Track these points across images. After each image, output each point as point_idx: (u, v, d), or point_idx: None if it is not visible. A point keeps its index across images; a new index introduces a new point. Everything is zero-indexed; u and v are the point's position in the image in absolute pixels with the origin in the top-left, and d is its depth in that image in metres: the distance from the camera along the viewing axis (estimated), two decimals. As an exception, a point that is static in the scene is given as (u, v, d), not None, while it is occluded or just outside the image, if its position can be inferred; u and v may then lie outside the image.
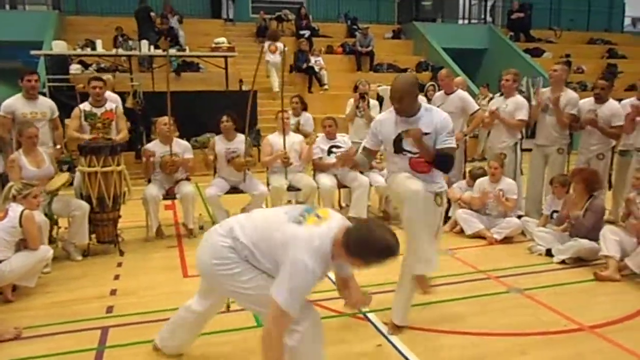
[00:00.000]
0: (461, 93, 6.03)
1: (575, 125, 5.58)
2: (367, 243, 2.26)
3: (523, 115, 5.54)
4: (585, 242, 4.54)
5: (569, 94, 5.55)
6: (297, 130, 6.43)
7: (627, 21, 19.12)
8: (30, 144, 4.61)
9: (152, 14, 11.85)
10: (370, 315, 3.55)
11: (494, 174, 5.37)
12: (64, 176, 4.83)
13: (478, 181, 5.54)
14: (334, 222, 2.37)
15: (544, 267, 4.53)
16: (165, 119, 5.44)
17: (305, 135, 6.37)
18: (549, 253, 4.75)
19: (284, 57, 6.60)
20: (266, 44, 11.58)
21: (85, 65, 11.05)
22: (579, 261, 4.57)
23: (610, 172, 5.73)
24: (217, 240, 2.47)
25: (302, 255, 2.22)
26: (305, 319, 2.40)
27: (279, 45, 11.48)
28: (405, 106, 3.08)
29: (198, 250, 2.57)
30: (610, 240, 4.29)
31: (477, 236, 5.30)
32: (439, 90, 6.62)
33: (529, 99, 6.27)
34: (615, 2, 18.39)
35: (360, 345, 3.17)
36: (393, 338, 3.22)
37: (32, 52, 9.67)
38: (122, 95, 7.92)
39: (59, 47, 9.58)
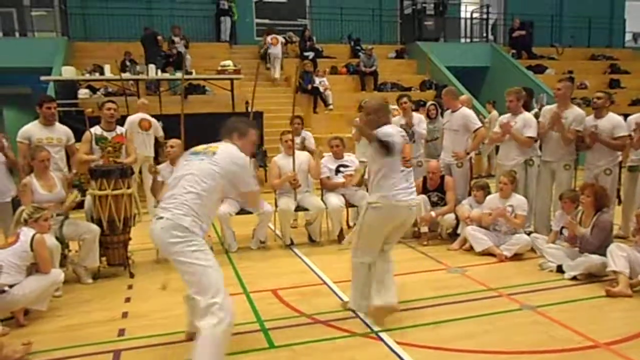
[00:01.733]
0: (465, 111, 6.08)
1: (582, 145, 5.58)
2: None
3: (532, 132, 5.57)
4: (595, 258, 4.52)
5: (575, 111, 5.57)
6: (304, 147, 6.47)
7: (628, 37, 19.23)
8: (42, 168, 4.66)
9: (159, 37, 12.05)
10: (382, 334, 3.53)
11: (503, 190, 5.37)
12: (72, 193, 4.86)
13: (488, 198, 5.55)
14: None
15: (555, 284, 4.50)
16: (171, 141, 5.51)
17: (311, 152, 6.41)
18: (559, 269, 4.73)
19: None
20: (268, 37, 13.30)
21: (94, 90, 11.20)
22: (590, 277, 4.54)
23: (618, 188, 5.72)
24: None
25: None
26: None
27: (280, 38, 13.32)
28: None
29: None
30: (618, 256, 4.28)
31: (487, 253, 5.28)
32: (441, 108, 6.70)
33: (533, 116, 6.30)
34: (615, 18, 18.53)
35: (373, 365, 3.15)
36: (407, 358, 3.20)
37: (43, 78, 9.82)
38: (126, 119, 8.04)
39: (68, 72, 9.74)
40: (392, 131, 3.68)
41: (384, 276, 3.73)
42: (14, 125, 5.71)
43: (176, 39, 12.49)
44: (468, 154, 6.03)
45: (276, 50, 13.31)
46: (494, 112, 10.60)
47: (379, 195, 3.67)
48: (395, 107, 7.35)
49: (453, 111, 6.08)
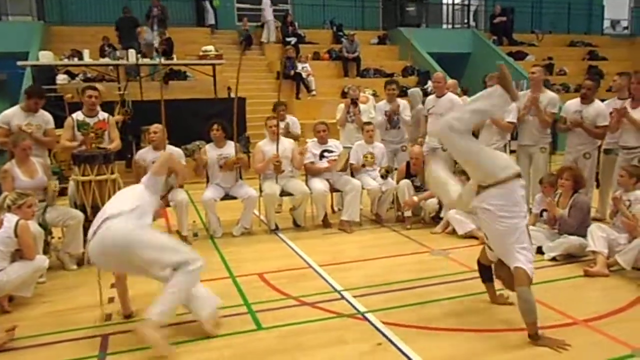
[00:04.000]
0: (451, 95, 6.15)
1: (563, 127, 5.70)
2: None
3: (512, 117, 5.66)
4: (574, 239, 4.65)
5: (548, 94, 5.73)
6: (287, 133, 6.48)
7: (607, 23, 19.52)
8: (24, 156, 4.60)
9: (139, 28, 11.80)
10: (368, 315, 3.60)
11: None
12: (50, 184, 4.80)
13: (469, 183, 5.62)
14: None
15: (535, 265, 4.56)
16: (154, 126, 5.48)
17: (295, 138, 6.43)
18: (539, 251, 4.84)
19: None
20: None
21: (72, 76, 10.98)
22: (569, 258, 4.67)
23: (597, 171, 5.86)
24: None
25: None
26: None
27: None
28: None
29: None
30: (598, 236, 4.41)
31: (470, 236, 5.37)
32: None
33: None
34: (594, 5, 18.77)
35: (360, 345, 3.21)
36: (393, 337, 3.27)
37: (20, 63, 9.60)
38: (111, 105, 7.93)
39: (46, 57, 9.53)
40: None
41: None
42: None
43: (154, 10, 12.26)
44: None
45: (267, 12, 14.25)
46: (465, 97, 10.62)
47: None
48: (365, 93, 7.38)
49: (438, 96, 6.12)
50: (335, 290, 4.08)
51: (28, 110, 5.16)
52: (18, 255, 3.86)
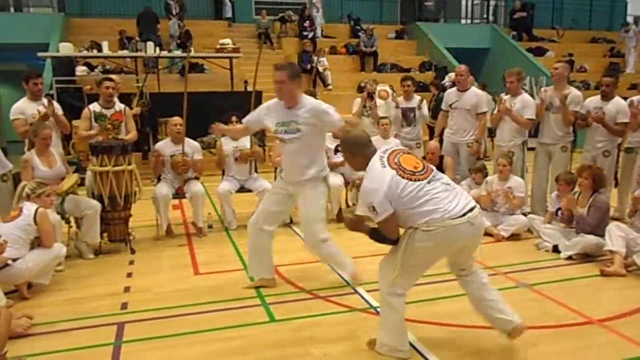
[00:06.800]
0: (476, 90, 6.07)
1: (582, 123, 5.61)
2: None
3: (531, 114, 5.56)
4: (591, 238, 4.59)
5: (572, 92, 5.58)
6: None
7: (629, 20, 19.13)
8: (43, 145, 4.68)
9: (158, 25, 11.91)
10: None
11: (502, 172, 5.40)
12: (73, 177, 4.88)
13: (487, 179, 5.58)
14: None
15: (551, 263, 4.57)
16: (176, 119, 5.52)
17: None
18: (555, 249, 4.79)
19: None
20: None
21: (91, 67, 11.11)
22: (585, 257, 4.61)
23: (616, 170, 5.77)
24: None
25: None
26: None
27: None
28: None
29: None
30: (616, 235, 4.34)
31: (485, 233, 5.26)
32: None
33: (532, 98, 6.30)
34: (617, 1, 18.40)
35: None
36: (405, 332, 3.26)
37: (40, 54, 9.74)
38: (129, 97, 8.02)
39: (66, 49, 9.65)
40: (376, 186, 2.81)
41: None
42: (9, 103, 5.67)
43: (171, 2, 12.31)
44: (477, 141, 5.98)
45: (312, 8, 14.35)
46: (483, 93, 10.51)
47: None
48: (385, 87, 7.32)
49: (461, 90, 6.00)
50: (348, 285, 4.08)
51: (34, 97, 5.18)
52: (37, 243, 3.93)
